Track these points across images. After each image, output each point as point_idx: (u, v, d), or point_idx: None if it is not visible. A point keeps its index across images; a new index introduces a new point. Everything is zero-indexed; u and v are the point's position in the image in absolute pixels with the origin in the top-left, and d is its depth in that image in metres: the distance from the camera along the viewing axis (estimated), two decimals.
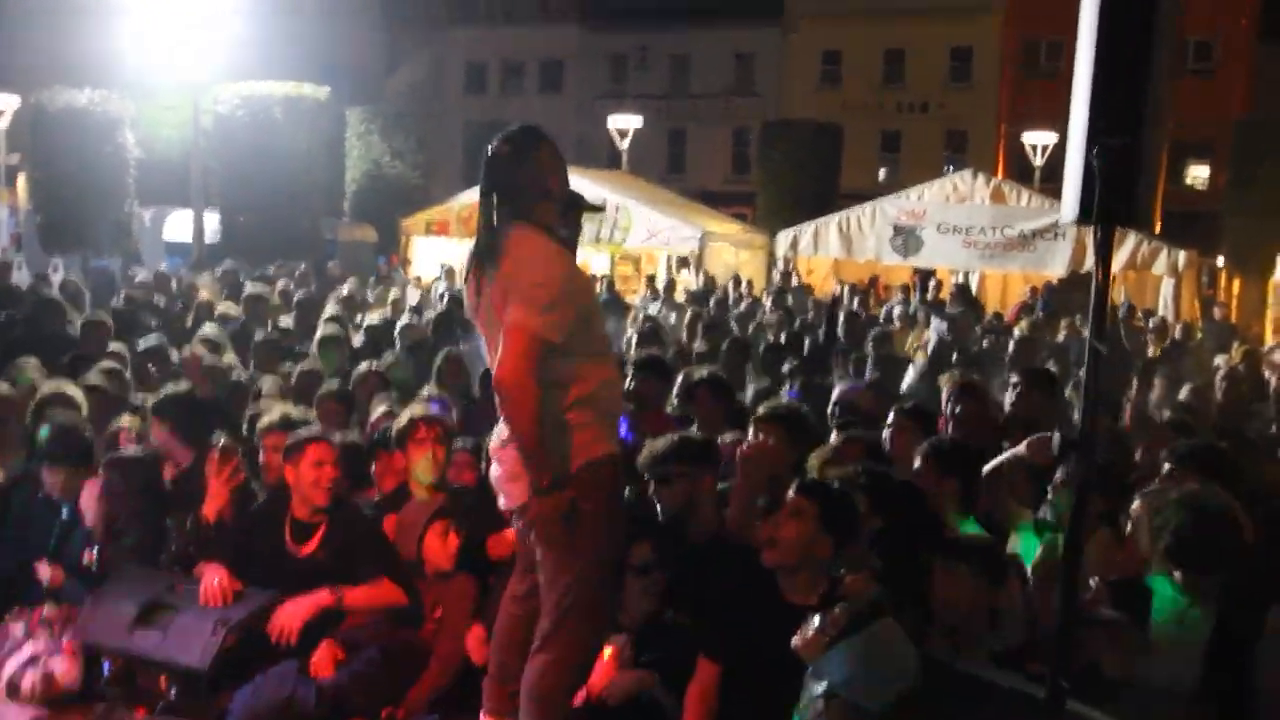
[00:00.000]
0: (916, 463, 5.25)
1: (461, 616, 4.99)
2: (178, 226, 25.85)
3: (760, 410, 5.86)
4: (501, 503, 4.30)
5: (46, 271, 18.04)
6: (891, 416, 5.96)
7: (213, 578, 4.73)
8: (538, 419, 3.96)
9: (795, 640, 3.57)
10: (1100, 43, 4.07)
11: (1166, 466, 5.39)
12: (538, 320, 3.90)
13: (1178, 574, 4.25)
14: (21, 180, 25.78)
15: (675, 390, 7.19)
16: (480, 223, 4.16)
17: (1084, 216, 4.14)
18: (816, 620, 3.58)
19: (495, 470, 4.29)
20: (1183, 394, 9.23)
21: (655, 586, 4.46)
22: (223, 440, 5.36)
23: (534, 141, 4.20)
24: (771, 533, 4.12)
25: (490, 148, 4.18)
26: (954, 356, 11.16)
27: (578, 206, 4.33)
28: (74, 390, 6.98)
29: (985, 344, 13.28)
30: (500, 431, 4.25)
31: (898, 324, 14.49)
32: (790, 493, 4.21)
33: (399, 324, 11.10)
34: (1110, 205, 4.09)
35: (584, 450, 4.09)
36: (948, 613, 4.23)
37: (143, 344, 9.30)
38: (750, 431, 5.63)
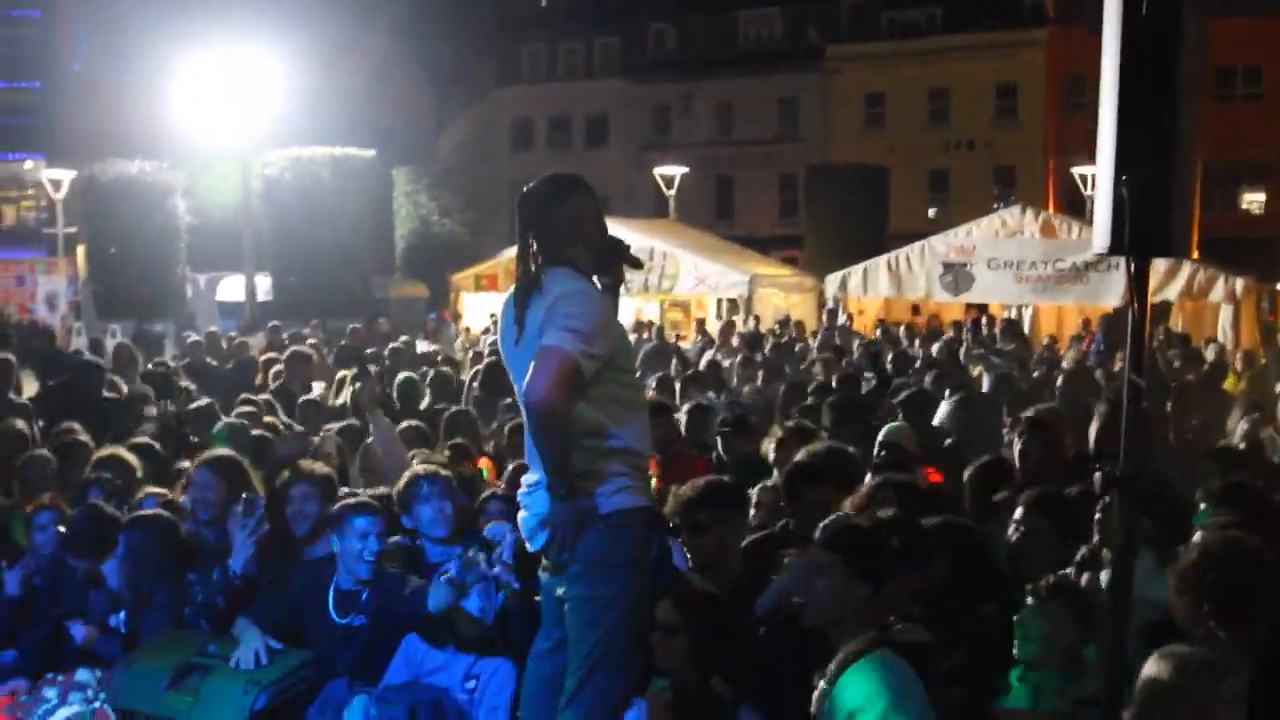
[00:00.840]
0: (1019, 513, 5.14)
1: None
2: (231, 289, 26.23)
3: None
4: (530, 546, 4.25)
5: (100, 337, 18.32)
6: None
7: (250, 643, 4.70)
8: (568, 441, 3.92)
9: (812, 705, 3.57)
10: (1124, 73, 4.02)
11: (1201, 506, 5.26)
12: (574, 346, 3.86)
13: (1223, 634, 3.84)
14: (81, 250, 26.37)
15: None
16: (519, 262, 4.16)
17: (1116, 248, 4.07)
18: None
19: (523, 515, 4.25)
20: (1244, 424, 9.07)
21: (681, 647, 4.34)
22: (245, 494, 5.37)
23: (570, 186, 4.20)
24: (802, 594, 3.97)
25: (527, 188, 4.19)
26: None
27: (619, 256, 4.29)
28: (126, 454, 7.04)
29: (1036, 375, 13.14)
30: (528, 478, 4.22)
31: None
32: (813, 549, 4.06)
33: (429, 376, 11.14)
34: (1142, 235, 4.02)
35: (612, 500, 4.04)
36: (1029, 654, 4.14)
37: (194, 406, 9.40)
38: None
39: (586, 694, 4.08)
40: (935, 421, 8.65)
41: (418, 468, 5.43)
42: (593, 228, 4.16)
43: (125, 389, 10.61)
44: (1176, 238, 4.09)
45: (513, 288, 4.23)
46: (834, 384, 11.17)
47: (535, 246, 4.12)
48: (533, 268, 4.10)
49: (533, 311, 4.04)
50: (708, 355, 16.03)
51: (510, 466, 6.62)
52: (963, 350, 15.80)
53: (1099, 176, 4.13)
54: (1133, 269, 4.16)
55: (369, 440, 7.48)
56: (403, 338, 17.19)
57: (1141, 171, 3.96)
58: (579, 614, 4.11)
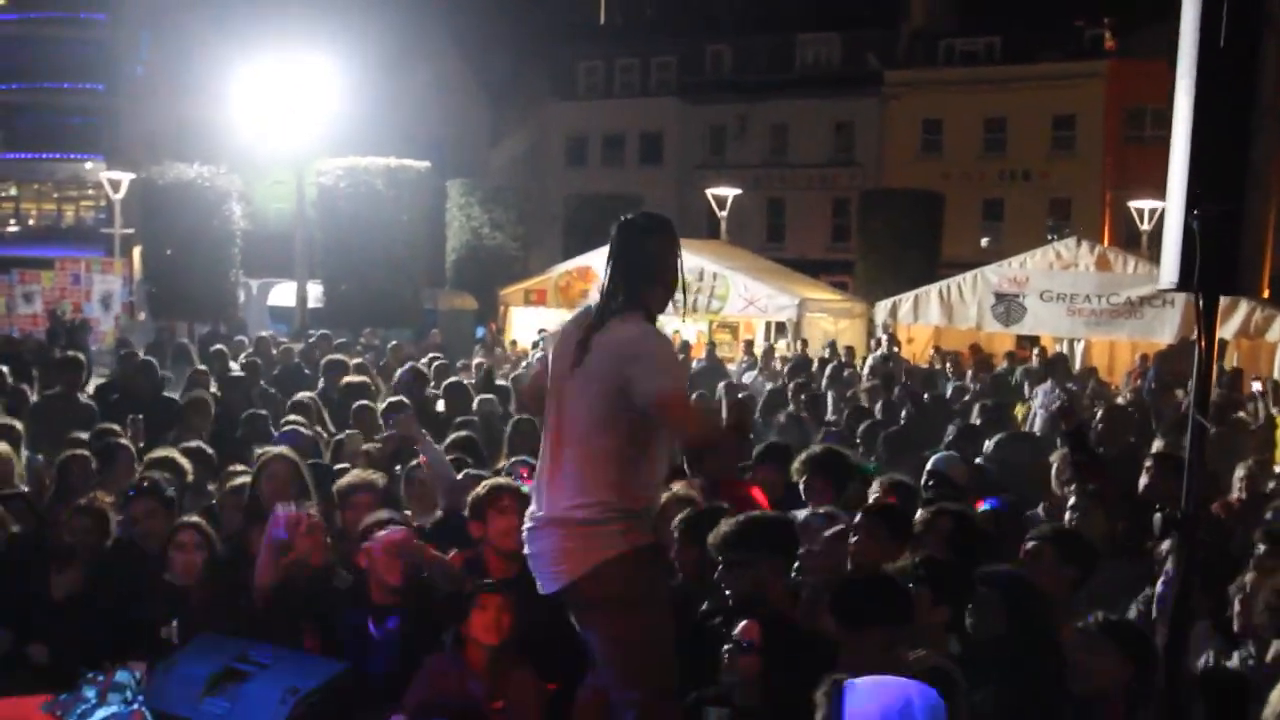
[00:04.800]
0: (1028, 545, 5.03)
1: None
2: (283, 295, 26.45)
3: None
4: (543, 587, 4.20)
5: (164, 338, 18.47)
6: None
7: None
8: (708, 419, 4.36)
9: None
10: (1199, 105, 3.91)
11: (1261, 547, 5.12)
12: (677, 385, 4.18)
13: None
14: (137, 251, 26.71)
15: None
16: (604, 290, 4.21)
17: (1184, 283, 3.96)
18: None
19: (532, 549, 4.20)
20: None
21: (753, 668, 4.26)
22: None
23: (666, 227, 4.29)
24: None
25: (625, 218, 4.27)
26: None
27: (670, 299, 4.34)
28: (178, 456, 7.09)
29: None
30: (534, 511, 4.17)
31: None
32: None
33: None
34: (1212, 272, 3.90)
35: (623, 539, 4.06)
36: (1084, 691, 4.06)
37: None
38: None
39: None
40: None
41: (503, 480, 5.44)
42: (673, 273, 4.23)
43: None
44: (1247, 274, 3.98)
45: (579, 309, 4.30)
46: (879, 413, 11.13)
47: (616, 277, 4.15)
48: (611, 302, 4.13)
49: (598, 349, 4.06)
50: (746, 379, 16.06)
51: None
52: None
53: (1169, 209, 4.02)
54: (1201, 305, 4.06)
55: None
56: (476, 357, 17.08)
57: (1213, 205, 3.86)
58: (605, 653, 4.11)
